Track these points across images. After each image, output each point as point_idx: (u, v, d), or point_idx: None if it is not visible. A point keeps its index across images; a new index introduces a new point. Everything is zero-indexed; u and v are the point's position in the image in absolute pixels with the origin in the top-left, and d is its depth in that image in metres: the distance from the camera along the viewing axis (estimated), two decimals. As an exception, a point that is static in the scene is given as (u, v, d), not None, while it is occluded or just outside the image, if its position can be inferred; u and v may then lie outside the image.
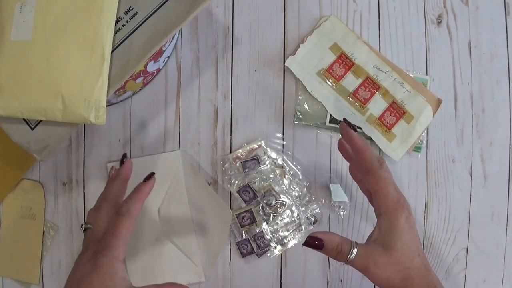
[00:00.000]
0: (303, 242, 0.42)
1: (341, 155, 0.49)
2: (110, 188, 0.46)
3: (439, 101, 0.58)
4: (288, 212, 0.58)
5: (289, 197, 0.58)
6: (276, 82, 0.59)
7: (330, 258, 0.43)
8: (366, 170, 0.42)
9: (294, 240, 0.58)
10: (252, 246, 0.57)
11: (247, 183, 0.57)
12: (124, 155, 0.50)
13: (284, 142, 0.59)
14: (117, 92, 0.54)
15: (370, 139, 0.58)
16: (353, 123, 0.57)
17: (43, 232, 0.59)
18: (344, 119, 0.46)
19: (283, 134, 0.59)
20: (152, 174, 0.46)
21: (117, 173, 0.47)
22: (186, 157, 0.58)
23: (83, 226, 0.43)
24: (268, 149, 0.58)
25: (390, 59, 0.59)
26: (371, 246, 0.41)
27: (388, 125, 0.58)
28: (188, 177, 0.58)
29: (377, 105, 0.58)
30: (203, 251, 0.57)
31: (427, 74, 0.60)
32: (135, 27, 0.45)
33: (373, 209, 0.44)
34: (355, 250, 0.40)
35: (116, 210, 0.43)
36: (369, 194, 0.45)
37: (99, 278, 0.38)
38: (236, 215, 0.57)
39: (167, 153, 0.58)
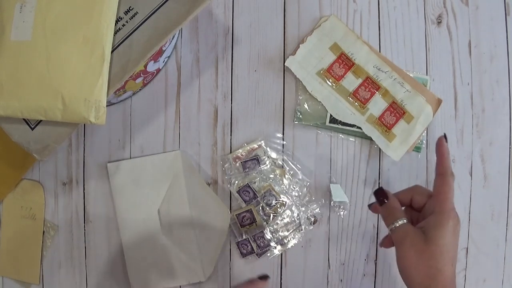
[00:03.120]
0: (370, 202, 0.45)
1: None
2: None
3: (439, 101, 0.58)
4: (288, 212, 0.58)
5: (289, 197, 0.58)
6: (276, 82, 0.59)
7: (380, 217, 0.46)
8: (439, 172, 0.44)
9: (294, 240, 0.58)
10: (252, 246, 0.57)
11: (247, 183, 0.57)
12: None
13: (284, 142, 0.59)
14: (117, 92, 0.54)
15: (370, 139, 0.58)
16: (353, 123, 0.58)
17: (43, 232, 0.59)
18: (445, 134, 0.47)
19: (283, 134, 0.59)
20: (267, 277, 0.47)
21: None
22: (186, 157, 0.58)
23: None
24: (268, 149, 0.58)
25: (390, 59, 0.59)
26: (417, 229, 0.42)
27: (388, 125, 0.58)
28: (188, 177, 0.58)
29: (377, 105, 0.58)
30: (203, 251, 0.57)
31: (427, 74, 0.60)
32: (135, 27, 0.45)
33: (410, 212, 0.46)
34: (403, 221, 0.42)
35: None
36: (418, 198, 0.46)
37: None
38: (236, 215, 0.57)
39: (167, 153, 0.58)
